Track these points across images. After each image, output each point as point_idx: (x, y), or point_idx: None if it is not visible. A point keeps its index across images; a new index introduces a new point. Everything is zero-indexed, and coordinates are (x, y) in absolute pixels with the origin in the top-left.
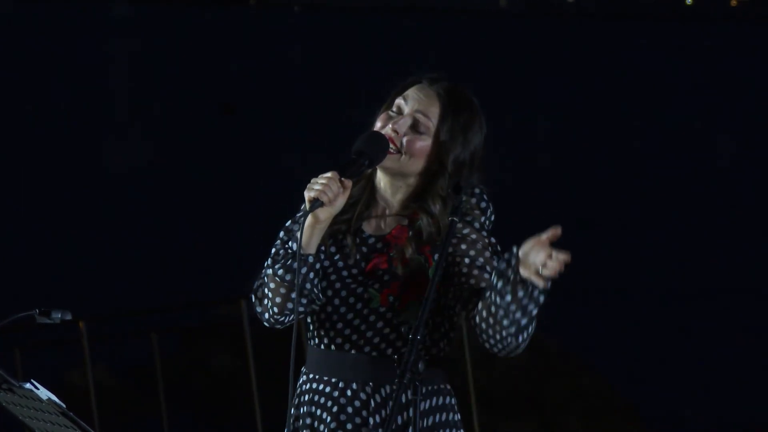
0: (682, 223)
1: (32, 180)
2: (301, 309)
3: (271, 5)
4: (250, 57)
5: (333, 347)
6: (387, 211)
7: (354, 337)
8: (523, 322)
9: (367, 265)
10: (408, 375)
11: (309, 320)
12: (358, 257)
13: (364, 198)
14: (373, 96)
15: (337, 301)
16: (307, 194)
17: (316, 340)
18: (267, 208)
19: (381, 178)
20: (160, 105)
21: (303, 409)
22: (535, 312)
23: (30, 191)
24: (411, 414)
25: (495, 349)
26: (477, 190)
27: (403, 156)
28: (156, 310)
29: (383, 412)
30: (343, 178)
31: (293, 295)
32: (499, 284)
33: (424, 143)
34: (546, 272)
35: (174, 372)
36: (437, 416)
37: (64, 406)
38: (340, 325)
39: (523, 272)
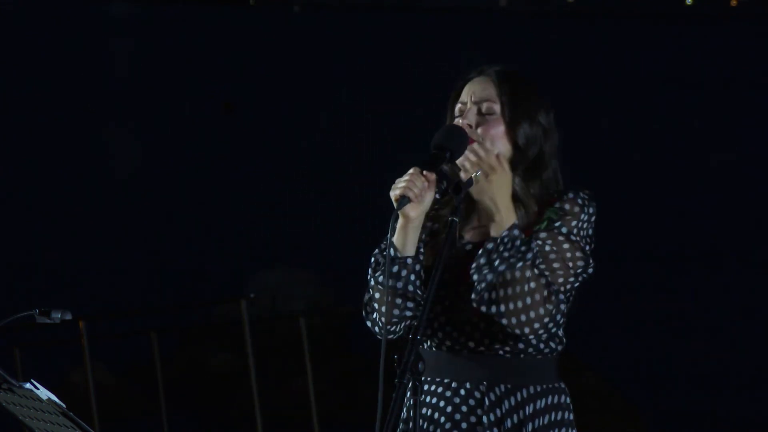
0: (683, 224)
1: (32, 180)
2: (409, 314)
3: (270, 5)
4: (249, 56)
5: (444, 348)
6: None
7: (462, 339)
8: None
9: (460, 270)
10: (408, 375)
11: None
12: (453, 265)
13: (461, 213)
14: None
15: (439, 308)
16: (393, 194)
17: (428, 342)
18: (267, 208)
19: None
20: (160, 105)
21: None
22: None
23: (30, 191)
24: (412, 413)
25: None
26: (570, 194)
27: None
28: (156, 310)
29: (498, 411)
30: (425, 172)
31: (399, 301)
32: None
33: (498, 126)
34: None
35: (174, 372)
36: (552, 415)
37: (64, 406)
38: (447, 329)
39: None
